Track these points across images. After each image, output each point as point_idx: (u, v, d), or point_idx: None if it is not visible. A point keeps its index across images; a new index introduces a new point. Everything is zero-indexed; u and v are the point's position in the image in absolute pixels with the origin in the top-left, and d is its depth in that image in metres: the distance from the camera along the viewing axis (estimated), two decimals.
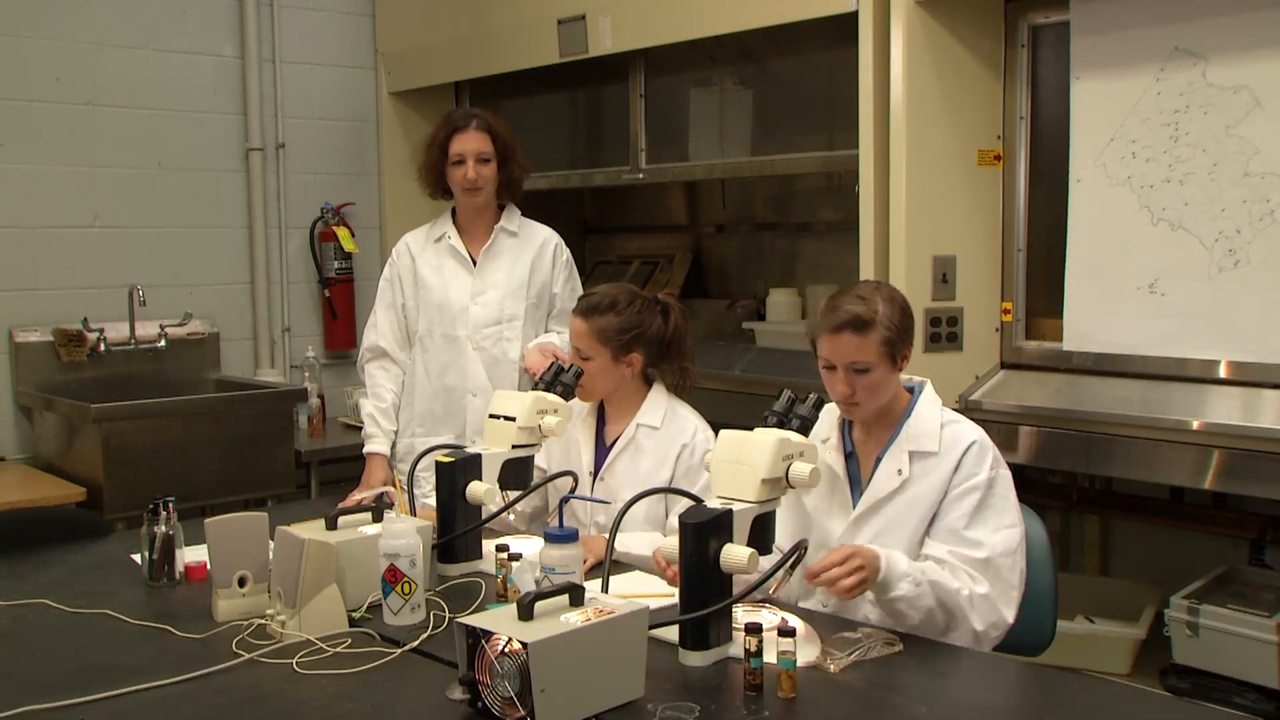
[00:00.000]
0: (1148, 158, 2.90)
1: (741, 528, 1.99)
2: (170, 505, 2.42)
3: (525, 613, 1.73)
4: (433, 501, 2.57)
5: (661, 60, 4.03)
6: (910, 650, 2.00)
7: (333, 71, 4.75)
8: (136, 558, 2.49)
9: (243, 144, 4.54)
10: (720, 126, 4.08)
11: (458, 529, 2.48)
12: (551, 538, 2.15)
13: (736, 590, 1.99)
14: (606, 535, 2.19)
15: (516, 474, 2.58)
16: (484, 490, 2.48)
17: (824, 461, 2.32)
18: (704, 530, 1.93)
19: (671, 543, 1.99)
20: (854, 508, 2.31)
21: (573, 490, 2.61)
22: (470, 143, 3.23)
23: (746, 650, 1.81)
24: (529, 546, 2.37)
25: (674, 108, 4.10)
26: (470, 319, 3.31)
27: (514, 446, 2.57)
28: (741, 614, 2.04)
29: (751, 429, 2.08)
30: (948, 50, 3.13)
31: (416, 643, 2.02)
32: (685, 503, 2.09)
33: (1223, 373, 2.84)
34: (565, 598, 1.79)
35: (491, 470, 2.53)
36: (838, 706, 1.80)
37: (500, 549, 2.27)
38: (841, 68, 3.30)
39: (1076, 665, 2.80)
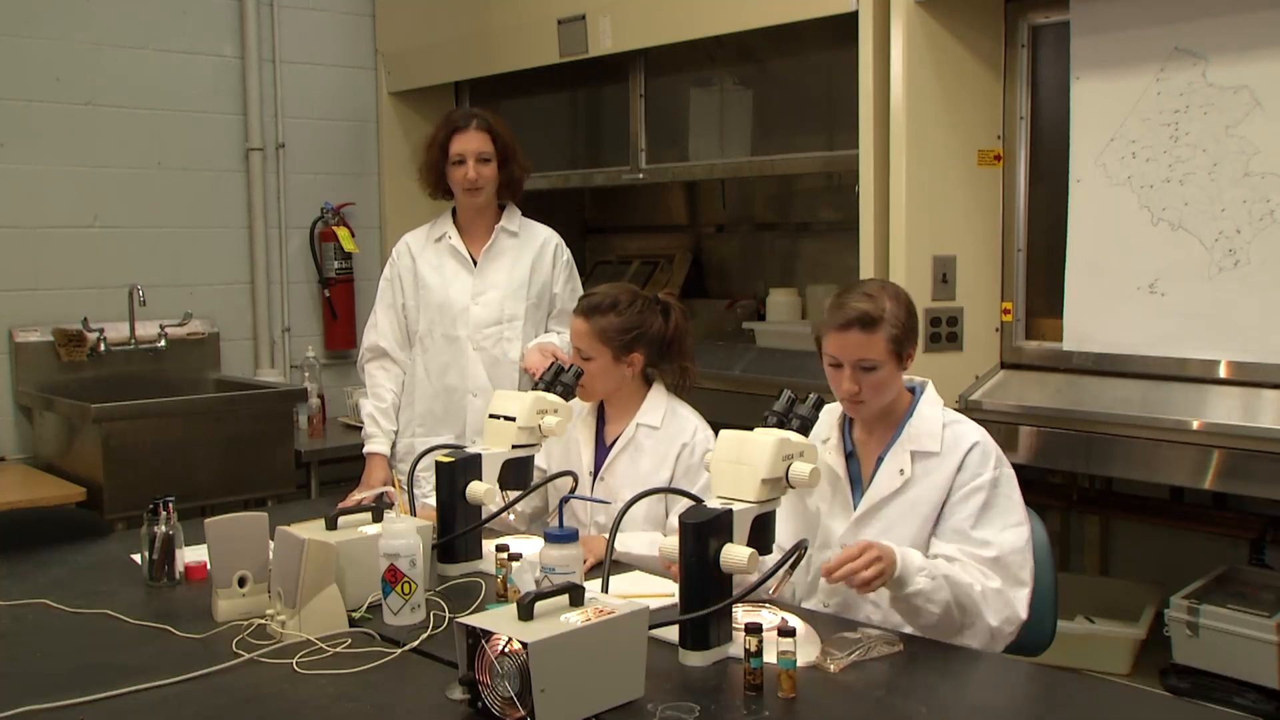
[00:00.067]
0: (1148, 158, 2.90)
1: (741, 528, 1.99)
2: (170, 505, 2.42)
3: (525, 613, 1.72)
4: (433, 501, 2.57)
5: (661, 60, 4.03)
6: (910, 650, 2.00)
7: (333, 71, 4.76)
8: (136, 558, 2.49)
9: (243, 144, 4.54)
10: (720, 126, 4.08)
11: (458, 529, 2.48)
12: (551, 538, 2.15)
13: (736, 590, 1.99)
14: (606, 535, 2.19)
15: (516, 474, 2.58)
16: (484, 490, 2.48)
17: (824, 462, 2.32)
18: (704, 530, 1.93)
19: (672, 542, 1.99)
20: (855, 508, 2.31)
21: (573, 490, 2.61)
22: (471, 143, 3.23)
23: (746, 650, 1.81)
24: (529, 546, 2.37)
25: (674, 108, 4.10)
26: (471, 319, 3.31)
27: (514, 446, 2.57)
28: (741, 614, 2.04)
29: (751, 429, 2.08)
30: (948, 50, 3.13)
31: (416, 643, 2.02)
32: (686, 502, 2.09)
33: (1223, 373, 2.84)
34: (565, 598, 1.79)
35: (491, 470, 2.53)
36: (838, 706, 1.80)
37: (500, 549, 2.27)
38: (841, 68, 3.30)
39: (1076, 665, 2.80)
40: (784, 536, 2.23)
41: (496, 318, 3.31)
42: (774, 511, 2.07)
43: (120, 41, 4.24)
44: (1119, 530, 3.73)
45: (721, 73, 4.07)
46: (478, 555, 2.51)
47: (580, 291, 3.36)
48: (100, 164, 4.22)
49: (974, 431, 2.29)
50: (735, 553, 1.93)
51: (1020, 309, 3.28)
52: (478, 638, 1.71)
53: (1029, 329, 3.28)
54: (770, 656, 1.82)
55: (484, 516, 2.53)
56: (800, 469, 2.04)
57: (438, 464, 2.50)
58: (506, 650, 1.67)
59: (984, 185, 3.25)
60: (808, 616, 2.14)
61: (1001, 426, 3.06)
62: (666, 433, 2.73)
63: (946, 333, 3.18)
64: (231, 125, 4.52)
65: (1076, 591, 3.41)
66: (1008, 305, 3.28)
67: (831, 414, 2.39)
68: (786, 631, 1.80)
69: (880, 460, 2.31)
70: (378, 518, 2.32)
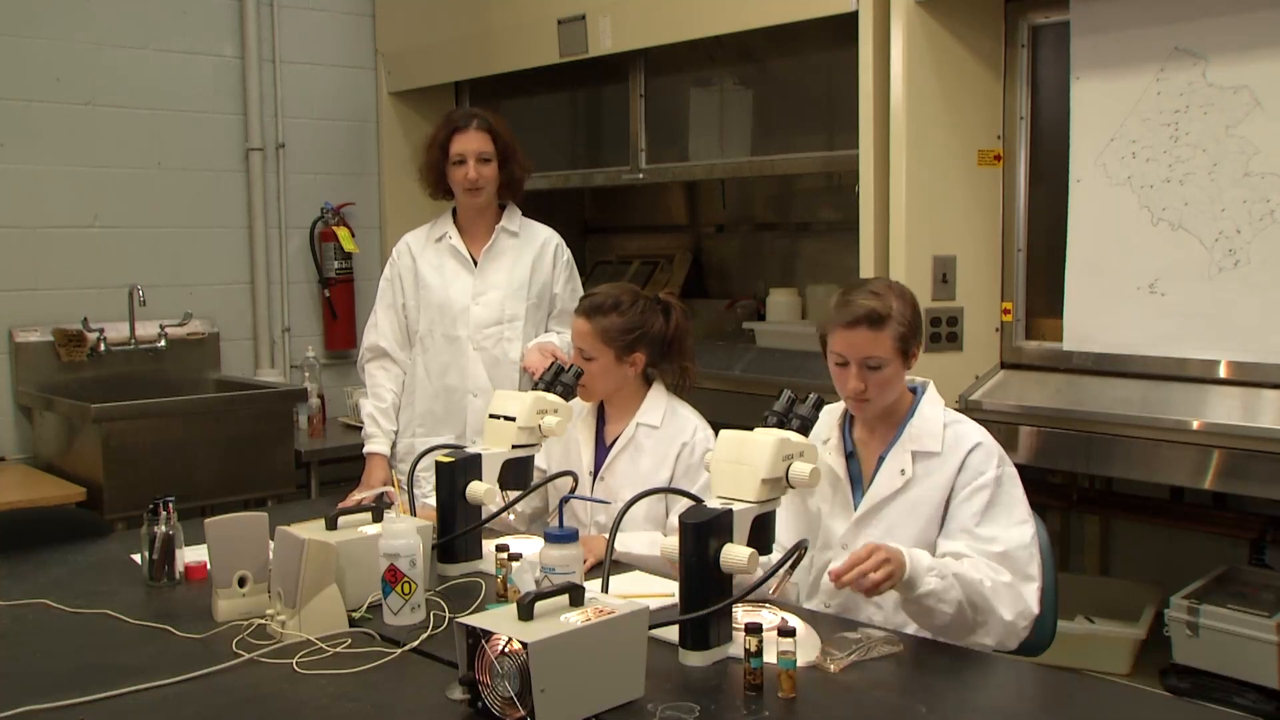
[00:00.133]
0: (1148, 158, 2.90)
1: (741, 528, 1.99)
2: (170, 505, 2.42)
3: (525, 613, 1.72)
4: (432, 501, 2.57)
5: (661, 60, 4.03)
6: (910, 650, 2.00)
7: (333, 71, 4.75)
8: (136, 558, 2.49)
9: (243, 144, 4.54)
10: (720, 126, 4.08)
11: (458, 529, 2.48)
12: (551, 538, 2.15)
13: (736, 590, 1.98)
14: (606, 535, 2.19)
15: (516, 474, 2.58)
16: (484, 490, 2.48)
17: (824, 462, 2.32)
18: (704, 530, 1.93)
19: (672, 542, 1.99)
20: (855, 508, 2.31)
21: (573, 490, 2.61)
22: (471, 143, 3.23)
23: (746, 650, 1.81)
24: (529, 546, 2.37)
25: (674, 108, 4.10)
26: (471, 319, 3.31)
27: (514, 446, 2.57)
28: (741, 614, 2.04)
29: (751, 429, 2.08)
30: (948, 50, 3.13)
31: (416, 643, 2.02)
32: (686, 501, 2.09)
33: (1223, 373, 2.84)
34: (565, 598, 1.79)
35: (491, 470, 2.53)
36: (838, 706, 1.80)
37: (500, 549, 2.27)
38: (841, 68, 3.30)
39: (1076, 665, 2.80)
40: (785, 537, 2.23)
41: (497, 318, 3.31)
42: (774, 511, 2.07)
43: (120, 41, 4.24)
44: (1119, 530, 3.73)
45: (721, 73, 4.07)
46: (478, 555, 2.51)
47: (580, 292, 3.36)
48: (100, 164, 4.22)
49: (975, 432, 2.29)
50: (735, 553, 1.93)
51: (1020, 309, 3.28)
52: (478, 638, 1.71)
53: (1029, 329, 3.28)
54: (770, 656, 1.82)
55: (484, 516, 2.53)
56: (800, 469, 2.04)
57: (438, 464, 2.50)
58: (506, 650, 1.67)
59: (984, 185, 3.25)
60: (809, 617, 2.14)
61: (1001, 426, 3.06)
62: (666, 432, 2.73)
63: (946, 333, 3.18)
64: (231, 125, 4.52)
65: (1076, 591, 3.41)
66: (1008, 305, 3.28)
67: (832, 414, 2.39)
68: (786, 631, 1.80)
69: (881, 460, 2.31)
70: (378, 518, 2.32)
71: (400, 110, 4.80)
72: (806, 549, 2.00)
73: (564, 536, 2.15)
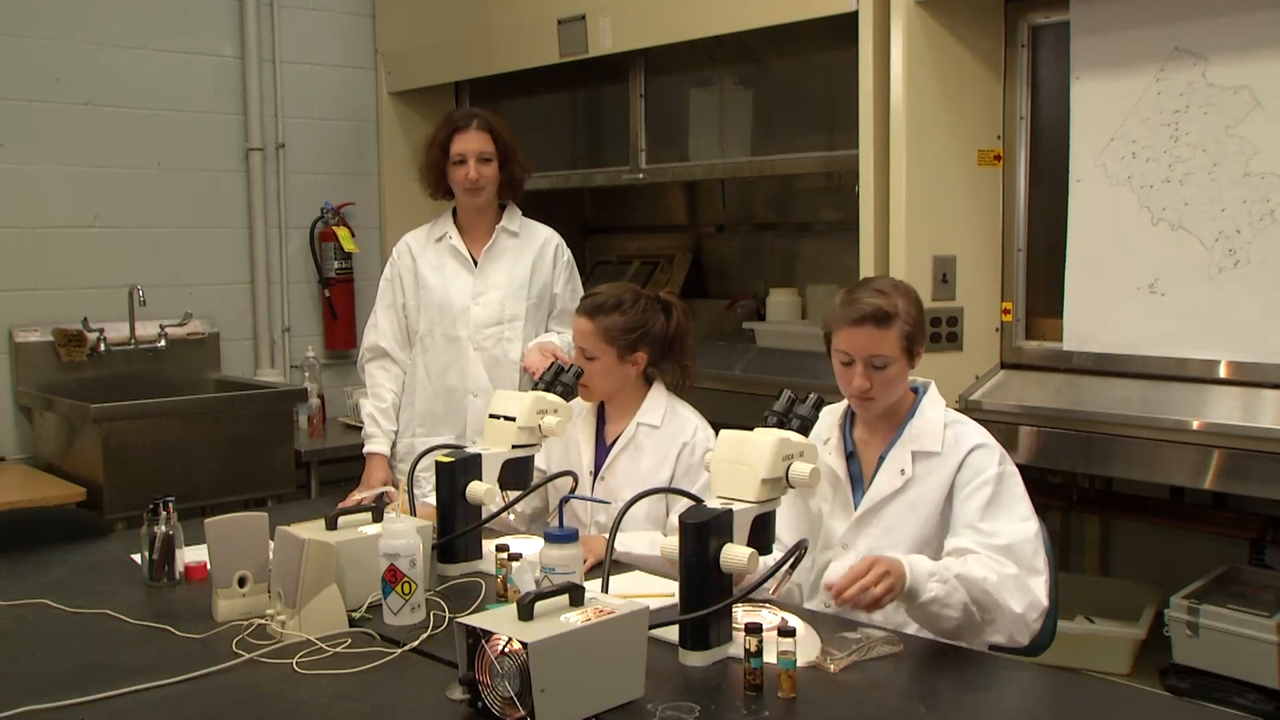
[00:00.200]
0: (1148, 158, 2.90)
1: (741, 528, 1.99)
2: (170, 505, 2.42)
3: (525, 613, 1.72)
4: (432, 500, 2.57)
5: (661, 60, 4.02)
6: (910, 650, 2.00)
7: (333, 71, 4.75)
8: (136, 558, 2.49)
9: (243, 144, 4.54)
10: (720, 126, 4.08)
11: (458, 529, 2.48)
12: (551, 538, 2.15)
13: (736, 590, 1.98)
14: (606, 535, 2.19)
15: (516, 474, 2.58)
16: (484, 490, 2.48)
17: (824, 462, 2.32)
18: (704, 530, 1.93)
19: (673, 542, 1.99)
20: (856, 508, 2.31)
21: (573, 490, 2.61)
22: (471, 142, 3.23)
23: (746, 650, 1.81)
24: (529, 546, 2.37)
25: (674, 108, 4.10)
26: (471, 319, 3.31)
27: (514, 446, 2.57)
28: (741, 614, 2.04)
29: (751, 429, 2.08)
30: (948, 50, 3.13)
31: (416, 643, 2.02)
32: (687, 501, 2.09)
33: (1223, 373, 2.84)
34: (565, 598, 1.79)
35: (491, 470, 2.53)
36: (838, 706, 1.80)
37: (500, 549, 2.27)
38: (841, 68, 3.30)
39: (1076, 665, 2.80)
40: (788, 537, 2.23)
41: (497, 318, 3.31)
42: (774, 511, 2.07)
43: (120, 41, 4.24)
44: (1119, 530, 3.73)
45: (721, 73, 4.07)
46: (478, 555, 2.51)
47: (580, 292, 3.36)
48: (100, 164, 4.22)
49: (976, 432, 2.29)
50: (735, 553, 1.93)
51: (1020, 309, 3.28)
52: (478, 638, 1.71)
53: (1029, 329, 3.28)
54: (770, 656, 1.82)
55: (484, 516, 2.53)
56: (800, 469, 2.04)
57: (438, 464, 2.50)
58: (506, 650, 1.67)
59: (984, 185, 3.25)
60: (809, 617, 2.14)
61: (1001, 426, 3.06)
62: (667, 432, 2.73)
63: (946, 333, 3.18)
64: (231, 125, 4.52)
65: (1076, 591, 3.41)
66: (1008, 305, 3.28)
67: (832, 414, 2.39)
68: (786, 631, 1.80)
69: (881, 460, 2.31)
70: (378, 518, 2.33)
71: (400, 110, 4.80)
72: (806, 549, 2.00)
73: (564, 536, 2.15)
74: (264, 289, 4.60)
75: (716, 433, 2.16)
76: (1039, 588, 2.12)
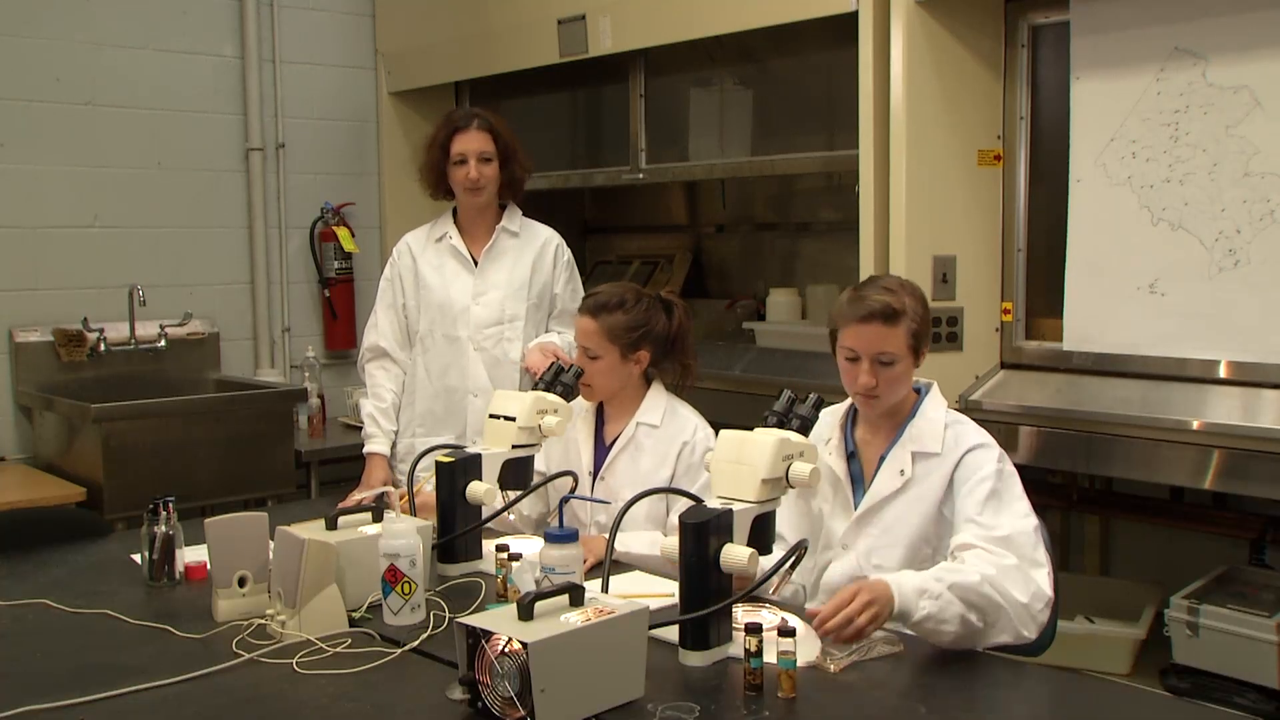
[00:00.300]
0: (1148, 158, 2.90)
1: (741, 528, 1.99)
2: (170, 505, 2.42)
3: (525, 613, 1.73)
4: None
5: (661, 60, 4.02)
6: (910, 650, 2.00)
7: (333, 71, 4.75)
8: (136, 558, 2.49)
9: (243, 144, 4.54)
10: (720, 126, 4.08)
11: (458, 529, 2.48)
12: (551, 538, 2.15)
13: (736, 591, 1.98)
14: (606, 535, 2.19)
15: (516, 474, 2.58)
16: (484, 490, 2.48)
17: (825, 462, 2.32)
18: (704, 530, 1.93)
19: (673, 542, 1.99)
20: (856, 508, 2.31)
21: (573, 490, 2.61)
22: (472, 142, 3.23)
23: (746, 650, 1.81)
24: (529, 546, 2.37)
25: (674, 108, 4.10)
26: (471, 319, 3.30)
27: (514, 446, 2.57)
28: (741, 614, 2.04)
29: (751, 429, 2.08)
30: (948, 50, 3.13)
31: (416, 643, 2.02)
32: (687, 500, 2.09)
33: (1223, 373, 2.84)
34: (565, 598, 1.79)
35: (491, 470, 2.53)
36: (838, 706, 1.80)
37: (500, 549, 2.27)
38: (841, 68, 3.30)
39: (1076, 665, 2.80)
40: (791, 537, 2.23)
41: (497, 318, 3.31)
42: (774, 511, 2.07)
43: (120, 41, 4.24)
44: (1119, 530, 3.73)
45: (721, 73, 4.07)
46: (478, 555, 2.51)
47: (581, 292, 3.36)
48: (100, 164, 4.22)
49: (975, 433, 2.29)
50: (735, 553, 1.93)
51: (1020, 309, 3.28)
52: (478, 638, 1.71)
53: (1029, 329, 3.28)
54: (770, 656, 1.82)
55: (484, 516, 2.53)
56: (800, 469, 2.04)
57: (438, 464, 2.50)
58: (506, 650, 1.67)
59: (984, 185, 3.25)
60: (809, 616, 2.14)
61: (1001, 426, 3.06)
62: (666, 431, 2.73)
63: (946, 333, 3.18)
64: (231, 125, 4.52)
65: (1076, 591, 3.41)
66: (1008, 305, 3.28)
67: (833, 415, 2.39)
68: (786, 631, 1.80)
69: (882, 460, 2.31)
70: (378, 518, 2.33)
71: (400, 110, 4.80)
72: (806, 549, 2.00)
73: (564, 536, 2.15)
74: (264, 289, 4.60)
75: (716, 433, 2.16)
76: (1042, 578, 2.09)
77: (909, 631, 2.11)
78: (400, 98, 4.78)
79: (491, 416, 2.62)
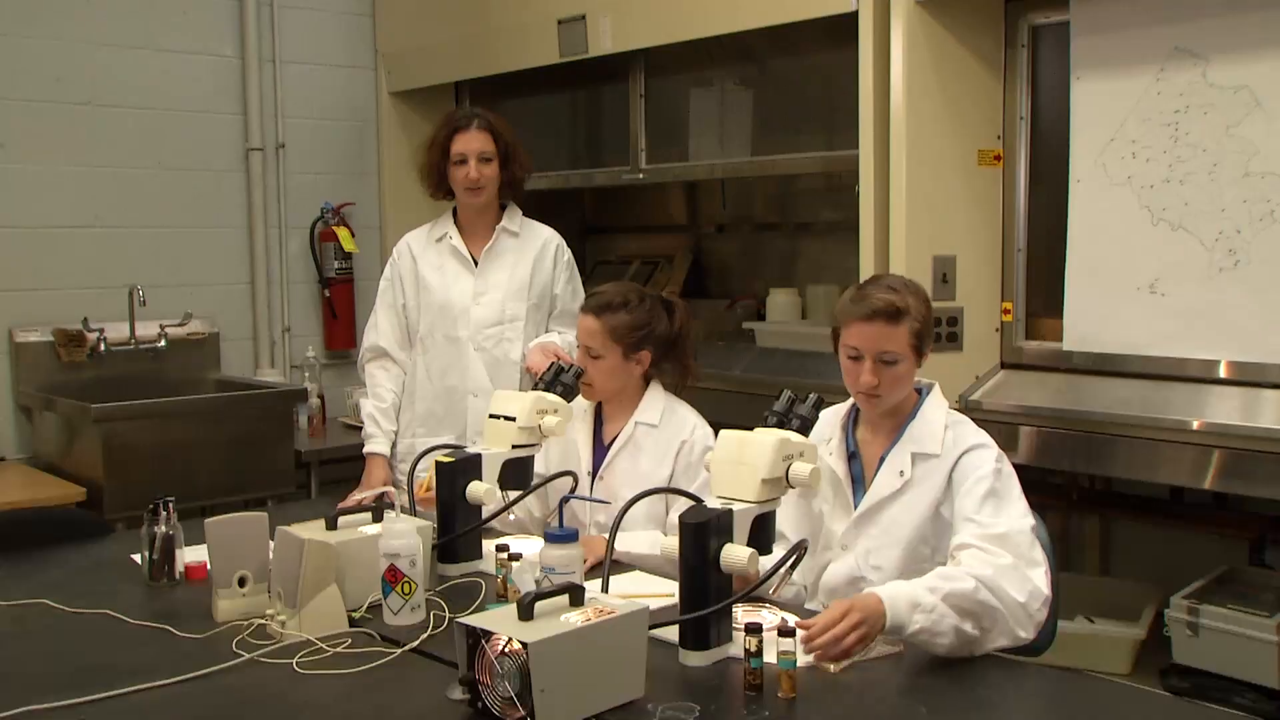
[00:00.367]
0: (1148, 158, 2.90)
1: (741, 528, 1.99)
2: (170, 505, 2.42)
3: (525, 613, 1.73)
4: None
5: (661, 60, 4.02)
6: (910, 650, 1.99)
7: (333, 71, 4.76)
8: (136, 558, 2.49)
9: (243, 144, 4.54)
10: (720, 126, 4.08)
11: (458, 529, 2.48)
12: (551, 538, 2.15)
13: (736, 590, 1.98)
14: (606, 535, 2.19)
15: (516, 474, 2.58)
16: (484, 490, 2.48)
17: (825, 463, 2.31)
18: (704, 530, 1.93)
19: (673, 542, 1.99)
20: (855, 509, 2.31)
21: (572, 490, 2.61)
22: (472, 142, 3.23)
23: (746, 650, 1.81)
24: (529, 546, 2.37)
25: (674, 108, 4.10)
26: (472, 320, 3.30)
27: (514, 446, 2.57)
28: (741, 614, 2.04)
29: (751, 429, 2.08)
30: (948, 50, 3.13)
31: (416, 643, 2.02)
32: (687, 499, 2.09)
33: (1223, 373, 2.84)
34: (565, 598, 1.79)
35: (491, 470, 2.53)
36: (838, 706, 1.80)
37: (500, 549, 2.27)
38: (841, 68, 3.30)
39: (1076, 665, 2.79)
40: (793, 536, 2.22)
41: (497, 318, 3.31)
42: (774, 511, 2.07)
43: (120, 41, 4.24)
44: (1119, 530, 3.73)
45: (721, 73, 4.07)
46: (478, 555, 2.51)
47: (581, 292, 3.36)
48: (100, 164, 4.22)
49: (974, 434, 2.28)
50: (735, 553, 1.93)
51: (1020, 309, 3.28)
52: (478, 638, 1.71)
53: (1029, 329, 3.28)
54: (770, 656, 1.82)
55: (484, 516, 2.53)
56: (800, 469, 2.03)
57: (438, 464, 2.50)
58: (506, 650, 1.67)
59: (984, 185, 3.25)
60: (809, 617, 2.13)
61: (1001, 426, 3.05)
62: (665, 430, 2.73)
63: (946, 333, 3.18)
64: (231, 125, 4.52)
65: (1076, 591, 3.41)
66: (1008, 305, 3.28)
67: (835, 415, 2.39)
68: (786, 631, 1.80)
69: (882, 461, 2.30)
70: (378, 518, 2.33)
71: (400, 110, 4.80)
72: (806, 549, 2.00)
73: (564, 536, 2.15)
74: (264, 289, 4.60)
75: (716, 433, 2.16)
76: (1039, 577, 2.07)
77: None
78: (400, 98, 4.78)
79: (491, 416, 2.62)
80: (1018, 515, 2.16)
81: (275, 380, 4.52)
